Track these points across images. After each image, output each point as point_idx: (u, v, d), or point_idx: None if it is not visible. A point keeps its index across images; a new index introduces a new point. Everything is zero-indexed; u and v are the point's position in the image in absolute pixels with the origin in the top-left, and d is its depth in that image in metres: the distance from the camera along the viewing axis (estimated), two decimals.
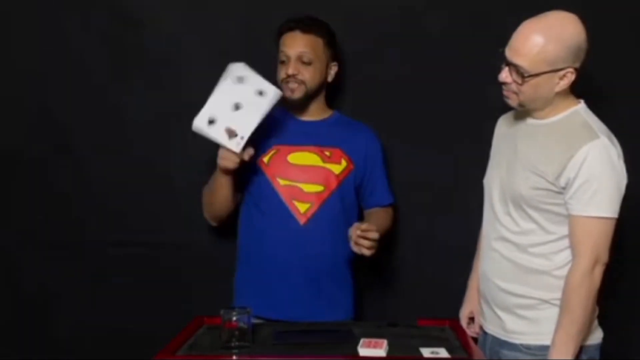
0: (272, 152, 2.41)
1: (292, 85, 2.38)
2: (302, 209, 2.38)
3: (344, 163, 2.42)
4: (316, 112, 2.47)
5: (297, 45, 2.38)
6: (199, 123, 2.24)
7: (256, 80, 2.28)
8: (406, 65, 2.64)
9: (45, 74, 2.67)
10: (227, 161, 2.27)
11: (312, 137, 2.43)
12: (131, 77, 2.67)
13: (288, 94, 2.39)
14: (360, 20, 2.64)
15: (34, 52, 2.66)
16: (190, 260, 2.68)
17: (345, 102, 2.64)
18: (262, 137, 2.41)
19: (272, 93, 2.27)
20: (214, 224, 2.53)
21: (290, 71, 2.37)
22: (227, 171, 2.31)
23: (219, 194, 2.40)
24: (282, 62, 2.40)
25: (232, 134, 2.23)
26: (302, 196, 2.36)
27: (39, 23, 2.66)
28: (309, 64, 2.39)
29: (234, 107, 2.25)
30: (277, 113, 2.50)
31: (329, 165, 2.41)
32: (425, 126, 2.65)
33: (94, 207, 2.71)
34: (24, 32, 2.66)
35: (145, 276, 2.68)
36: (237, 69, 2.28)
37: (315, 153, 2.41)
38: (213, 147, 2.51)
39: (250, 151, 2.27)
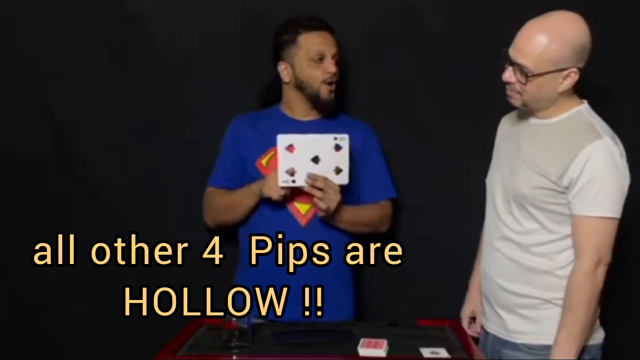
0: (270, 154, 2.40)
1: (333, 86, 2.39)
2: (302, 210, 2.38)
3: None
4: (315, 112, 2.46)
5: (332, 45, 2.39)
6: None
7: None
8: (406, 65, 2.64)
9: (46, 74, 2.66)
10: (273, 192, 2.28)
11: None
12: (131, 77, 2.67)
13: (327, 95, 2.39)
14: (360, 20, 2.63)
15: (34, 52, 2.66)
16: (190, 260, 2.68)
17: (345, 101, 2.64)
18: (260, 139, 2.41)
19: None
20: (214, 227, 2.54)
21: (333, 69, 2.37)
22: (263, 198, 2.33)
23: (242, 211, 2.40)
24: (315, 60, 2.37)
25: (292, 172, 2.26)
26: (302, 197, 2.34)
27: (40, 23, 2.65)
28: (337, 64, 2.40)
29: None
30: (275, 114, 2.50)
31: None
32: (427, 125, 2.65)
33: (94, 207, 2.70)
34: (24, 31, 2.66)
35: (145, 276, 2.67)
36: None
37: None
38: (213, 148, 2.52)
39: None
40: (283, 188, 2.27)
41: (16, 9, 2.65)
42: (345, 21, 2.59)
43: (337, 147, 2.26)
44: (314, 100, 2.41)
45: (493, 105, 2.30)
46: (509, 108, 2.20)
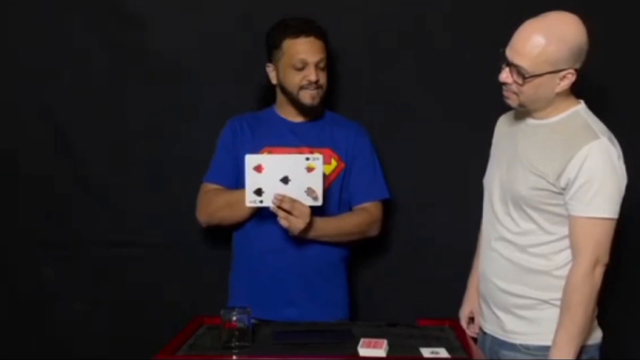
0: (263, 154, 2.40)
1: (313, 91, 2.37)
2: None
3: (334, 163, 2.41)
4: (308, 113, 2.46)
5: (316, 52, 2.36)
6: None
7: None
8: (406, 65, 2.64)
9: (46, 74, 2.67)
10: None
11: (302, 138, 2.41)
12: (131, 77, 2.67)
13: (308, 100, 2.37)
14: (360, 20, 2.63)
15: (34, 52, 2.66)
16: (190, 260, 2.68)
17: (345, 102, 2.64)
18: (253, 138, 2.41)
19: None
20: (206, 226, 2.51)
21: (314, 77, 2.34)
22: None
23: (240, 215, 2.38)
24: (297, 68, 2.35)
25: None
26: None
27: (40, 23, 2.65)
28: (323, 69, 2.38)
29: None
30: (268, 114, 2.50)
31: None
32: (427, 125, 2.65)
33: (94, 207, 2.71)
34: (24, 32, 2.66)
35: (144, 276, 2.68)
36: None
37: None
38: (212, 148, 2.52)
39: None
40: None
41: (16, 9, 2.65)
42: (345, 21, 2.59)
43: (310, 168, 2.24)
44: (296, 104, 2.41)
45: (493, 105, 2.29)
46: (508, 108, 2.20)
